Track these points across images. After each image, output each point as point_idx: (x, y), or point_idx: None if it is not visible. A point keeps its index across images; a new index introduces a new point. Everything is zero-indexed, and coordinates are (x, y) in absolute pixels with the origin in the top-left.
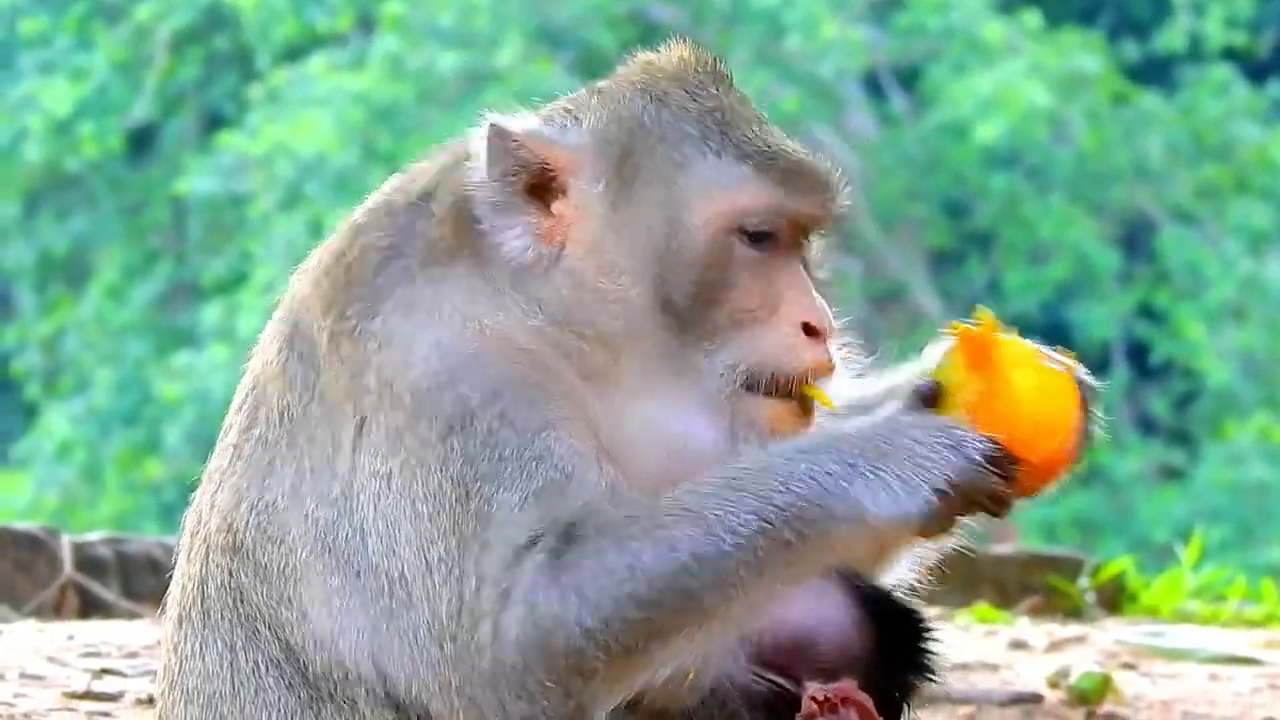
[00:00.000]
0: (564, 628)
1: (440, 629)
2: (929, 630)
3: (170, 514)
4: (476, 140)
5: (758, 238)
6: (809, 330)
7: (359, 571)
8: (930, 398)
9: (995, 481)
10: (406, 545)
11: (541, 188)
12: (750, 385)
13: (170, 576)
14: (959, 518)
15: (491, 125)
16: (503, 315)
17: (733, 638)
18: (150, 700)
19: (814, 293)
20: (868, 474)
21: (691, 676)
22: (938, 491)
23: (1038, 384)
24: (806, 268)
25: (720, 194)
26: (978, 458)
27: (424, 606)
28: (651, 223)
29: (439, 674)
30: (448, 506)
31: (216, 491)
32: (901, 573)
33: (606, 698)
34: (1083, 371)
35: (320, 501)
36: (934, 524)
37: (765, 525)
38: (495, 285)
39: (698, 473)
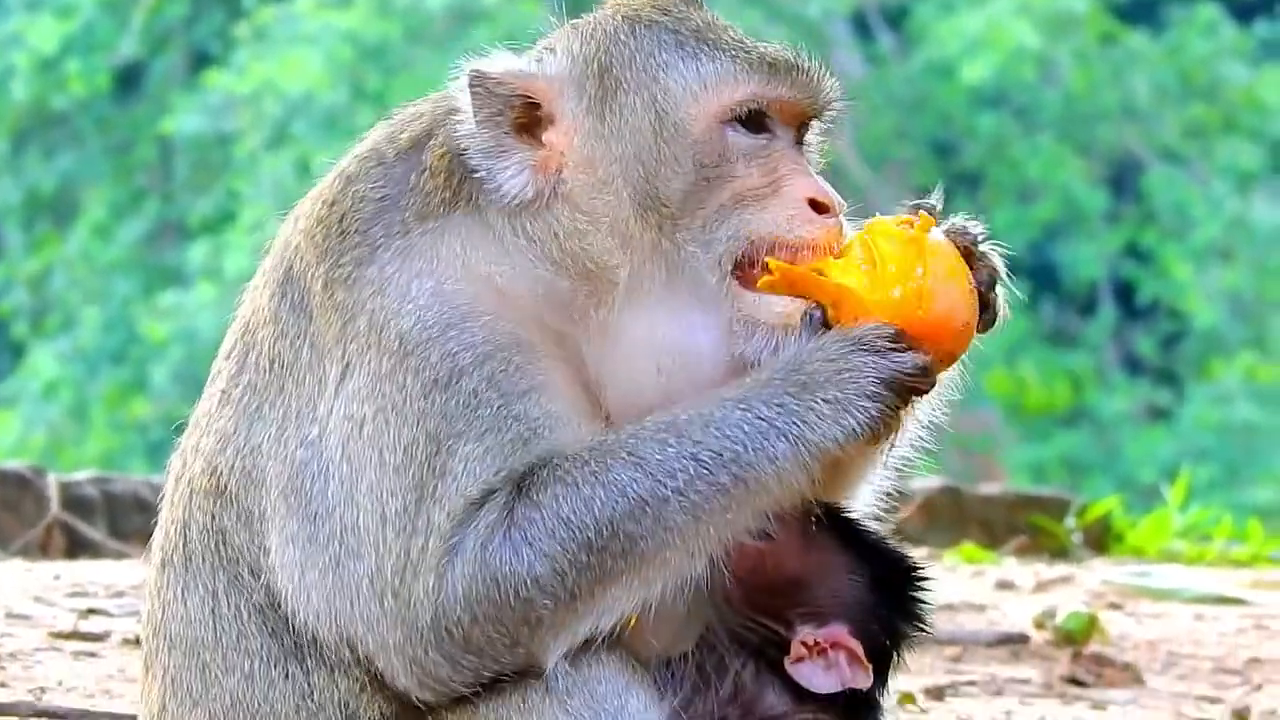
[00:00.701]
0: (515, 578)
1: (383, 584)
2: (920, 577)
3: (157, 453)
4: (459, 90)
5: (753, 125)
6: (815, 206)
7: (315, 514)
8: (821, 319)
9: (907, 363)
10: (367, 494)
11: (530, 123)
12: (752, 260)
13: (157, 517)
14: (898, 410)
15: (471, 72)
16: (502, 264)
17: (673, 585)
18: (137, 641)
19: (817, 174)
20: (802, 410)
21: (633, 623)
22: (868, 395)
23: (900, 256)
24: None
25: (706, 88)
26: (884, 346)
27: (370, 559)
28: (639, 125)
29: (378, 633)
30: (415, 461)
31: (202, 436)
32: (869, 498)
33: (553, 646)
34: (976, 231)
35: (300, 444)
36: (878, 426)
37: (703, 471)
38: (494, 232)
39: (685, 387)
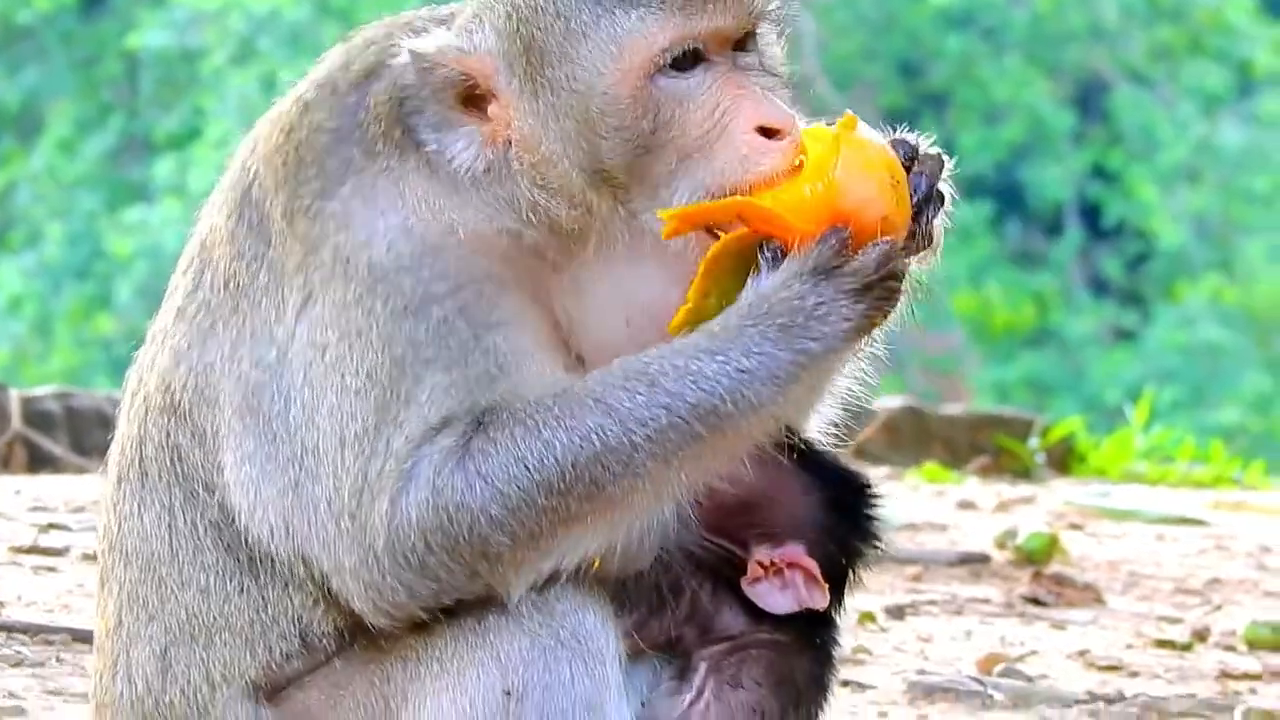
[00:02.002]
0: (469, 513)
1: (340, 506)
2: (876, 497)
3: (121, 369)
4: (402, 67)
5: (684, 64)
6: (766, 133)
7: (275, 436)
8: (775, 251)
9: (871, 266)
10: (328, 417)
11: (473, 97)
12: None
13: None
14: (879, 313)
15: (410, 52)
16: (466, 212)
17: (639, 526)
18: (96, 556)
19: (763, 93)
20: (783, 356)
21: (598, 564)
22: (844, 318)
23: (818, 154)
24: (762, 67)
25: (624, 47)
26: (840, 262)
27: (329, 481)
28: (571, 101)
29: (333, 554)
30: (379, 385)
31: (158, 352)
32: (823, 419)
33: (515, 581)
34: (915, 142)
35: (255, 365)
36: (860, 341)
37: (677, 420)
38: (456, 187)
39: (654, 339)
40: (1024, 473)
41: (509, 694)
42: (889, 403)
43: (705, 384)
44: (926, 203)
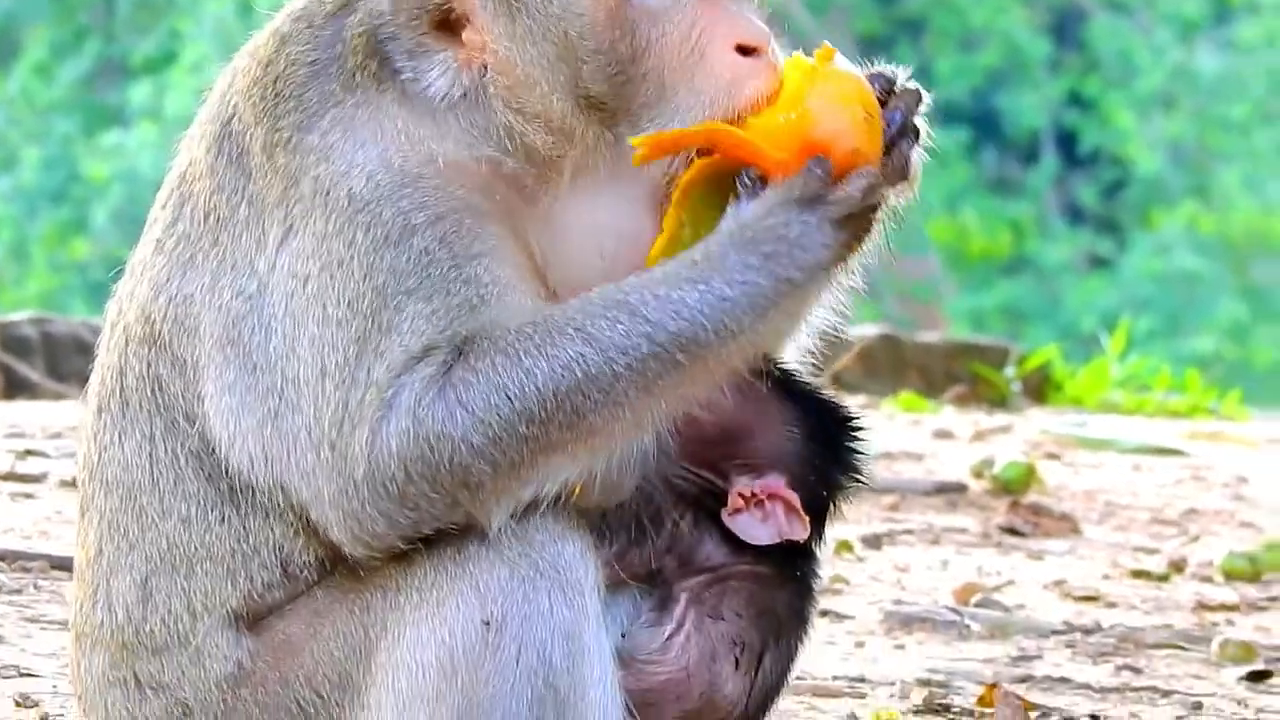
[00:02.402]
0: (450, 443)
1: (320, 435)
2: (857, 428)
3: (97, 293)
4: None
5: None
6: (744, 50)
7: (255, 366)
8: (756, 179)
9: (855, 196)
10: (309, 347)
11: (448, 23)
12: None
13: (94, 362)
14: (858, 239)
15: None
16: (445, 142)
17: (619, 455)
18: (74, 483)
19: (737, 9)
20: (766, 285)
21: (578, 493)
22: (825, 248)
23: (794, 84)
24: None
25: None
26: (823, 191)
27: (310, 410)
28: (547, 25)
29: (313, 484)
30: (360, 315)
31: (137, 284)
32: (801, 349)
33: (496, 510)
34: (893, 75)
35: (236, 296)
36: (840, 266)
37: (658, 349)
38: (432, 116)
39: (627, 272)
40: (1000, 401)
41: (488, 624)
42: (865, 331)
43: (687, 312)
44: (901, 136)
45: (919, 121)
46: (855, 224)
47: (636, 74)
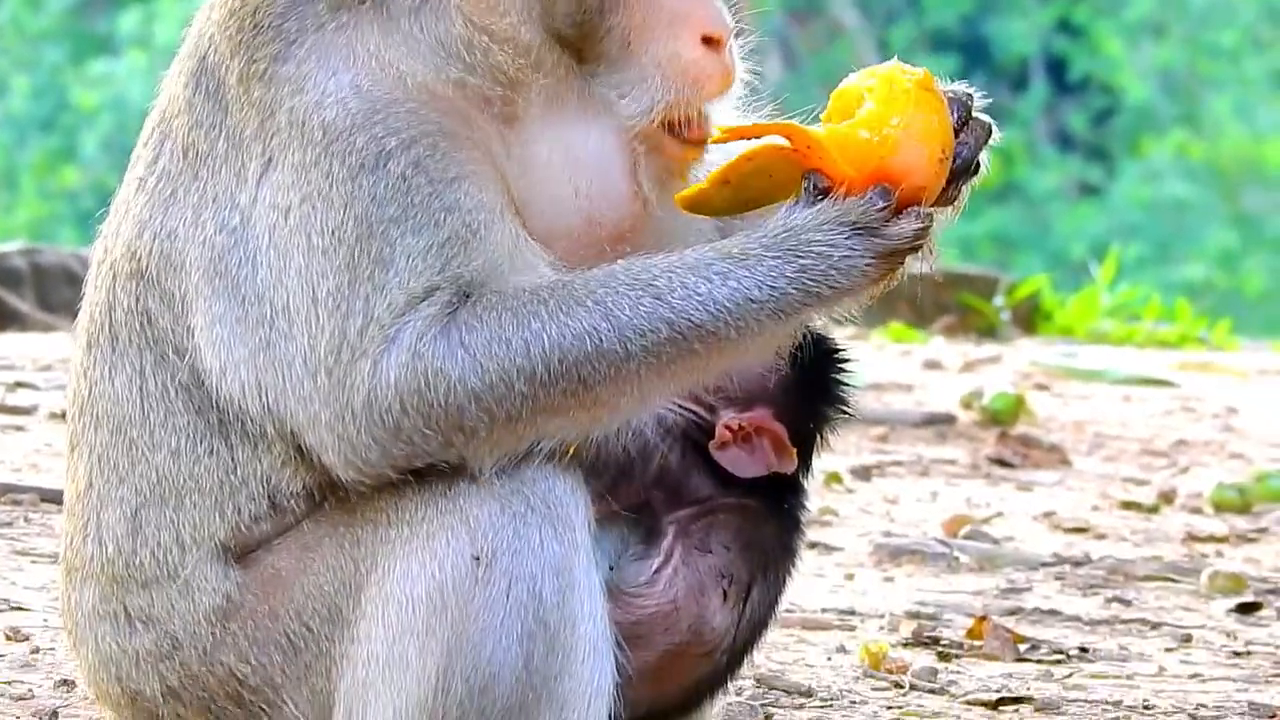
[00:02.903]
0: (446, 382)
1: (317, 362)
2: (844, 361)
3: (86, 222)
4: None
5: None
6: (707, 41)
7: (244, 298)
8: (820, 189)
9: (908, 234)
10: (296, 276)
11: None
12: (665, 125)
13: (83, 300)
14: (891, 275)
15: None
16: (414, 61)
17: (619, 424)
18: (64, 415)
19: None
20: (797, 296)
21: (572, 451)
22: (865, 275)
23: (885, 101)
24: None
25: None
26: (879, 222)
27: (303, 338)
28: None
29: (309, 408)
30: (345, 244)
31: (121, 222)
32: None
33: (488, 458)
34: (966, 99)
35: (219, 230)
36: (868, 291)
37: (676, 336)
38: (402, 31)
39: (606, 210)
40: (989, 331)
41: (478, 559)
42: None
43: (714, 306)
44: (964, 172)
45: (983, 156)
46: (897, 258)
47: (603, 26)
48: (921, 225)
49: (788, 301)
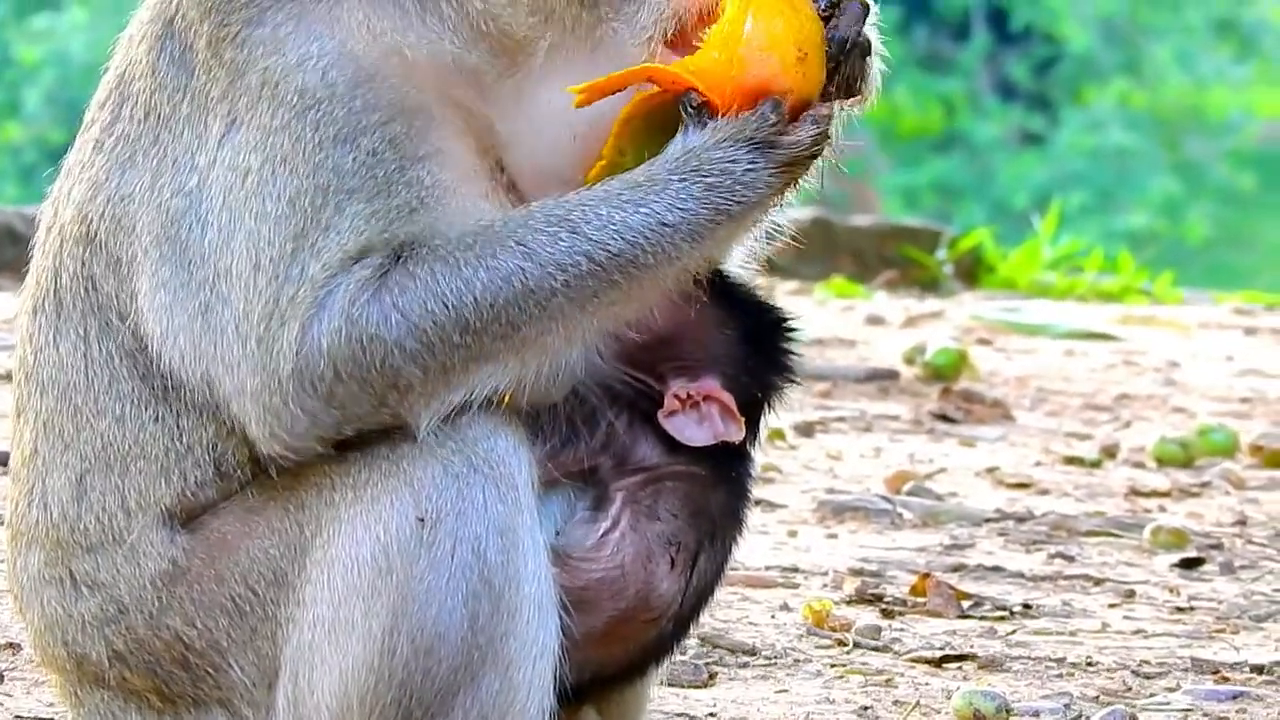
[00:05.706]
0: (381, 344)
1: (248, 329)
2: (790, 329)
3: (29, 176)
4: None
5: None
6: None
7: (190, 262)
8: (702, 105)
9: (805, 141)
10: (244, 241)
11: None
12: (680, 31)
13: (31, 247)
14: (799, 179)
15: None
16: (408, 34)
17: (549, 366)
18: (9, 376)
19: None
20: (708, 214)
21: (508, 399)
22: (769, 186)
23: (732, 16)
24: None
25: None
26: (775, 135)
27: (239, 304)
28: None
29: (236, 376)
30: (299, 213)
31: (74, 185)
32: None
33: (424, 413)
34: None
35: (175, 193)
36: (780, 203)
37: (596, 268)
38: (396, 2)
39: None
40: (932, 285)
41: (422, 520)
42: (797, 214)
43: (628, 234)
44: (845, 56)
45: (869, 32)
46: (799, 166)
47: None
48: (818, 130)
49: (699, 221)
